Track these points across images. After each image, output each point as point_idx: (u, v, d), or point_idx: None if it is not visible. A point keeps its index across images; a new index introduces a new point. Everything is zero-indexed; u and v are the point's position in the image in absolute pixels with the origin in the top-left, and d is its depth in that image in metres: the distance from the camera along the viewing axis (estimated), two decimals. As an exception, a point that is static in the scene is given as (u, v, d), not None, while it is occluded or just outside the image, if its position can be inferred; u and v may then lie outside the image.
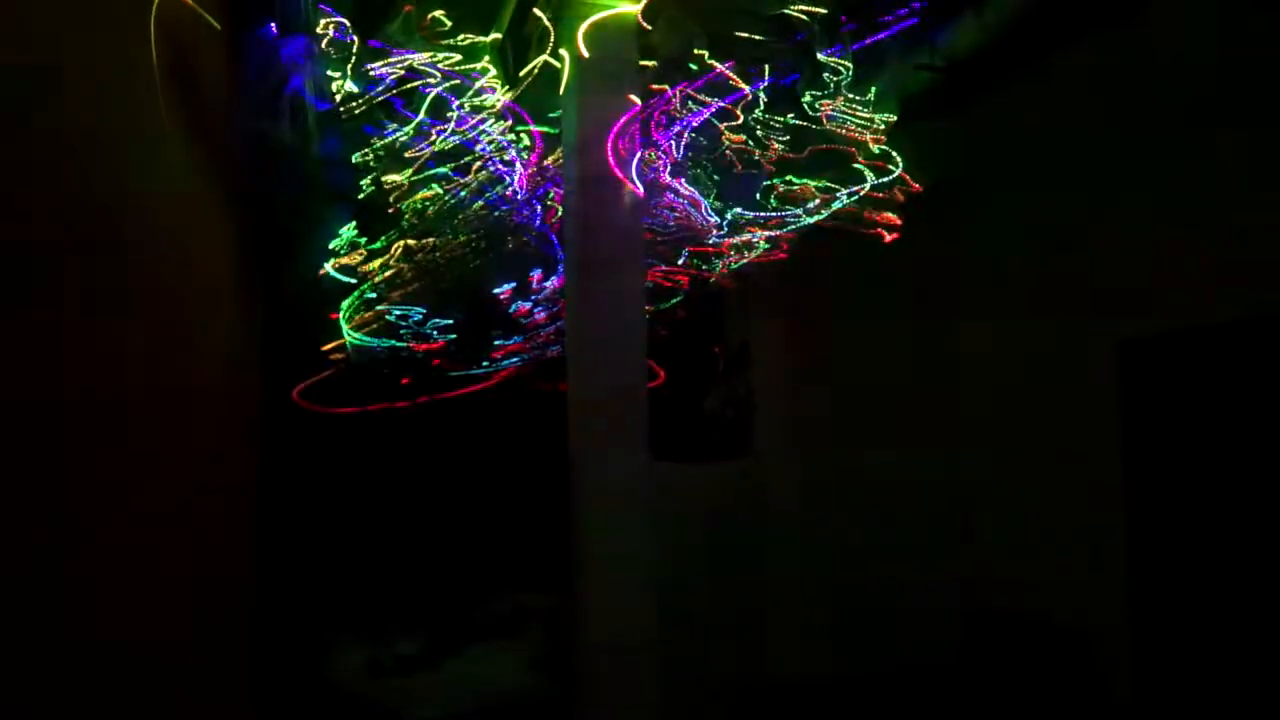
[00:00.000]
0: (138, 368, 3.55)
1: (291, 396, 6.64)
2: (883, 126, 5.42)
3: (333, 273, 5.91)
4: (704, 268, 6.65)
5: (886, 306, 7.39)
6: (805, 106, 5.31)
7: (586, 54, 4.64)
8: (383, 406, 7.17)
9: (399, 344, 6.78)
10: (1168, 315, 5.41)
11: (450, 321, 6.71)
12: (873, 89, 5.34)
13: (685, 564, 6.53)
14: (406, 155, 5.39)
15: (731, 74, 4.93)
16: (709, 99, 5.11)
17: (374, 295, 6.39)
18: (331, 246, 5.87)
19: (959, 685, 6.32)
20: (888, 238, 5.93)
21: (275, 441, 6.25)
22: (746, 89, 5.02)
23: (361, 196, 5.55)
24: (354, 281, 6.08)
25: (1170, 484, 5.43)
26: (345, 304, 6.37)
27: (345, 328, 6.42)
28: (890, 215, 5.89)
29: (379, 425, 7.26)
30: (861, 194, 5.62)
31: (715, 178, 5.81)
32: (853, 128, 5.40)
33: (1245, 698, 4.98)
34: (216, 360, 4.97)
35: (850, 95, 5.28)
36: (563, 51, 4.83)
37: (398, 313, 6.51)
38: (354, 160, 5.38)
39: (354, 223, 5.79)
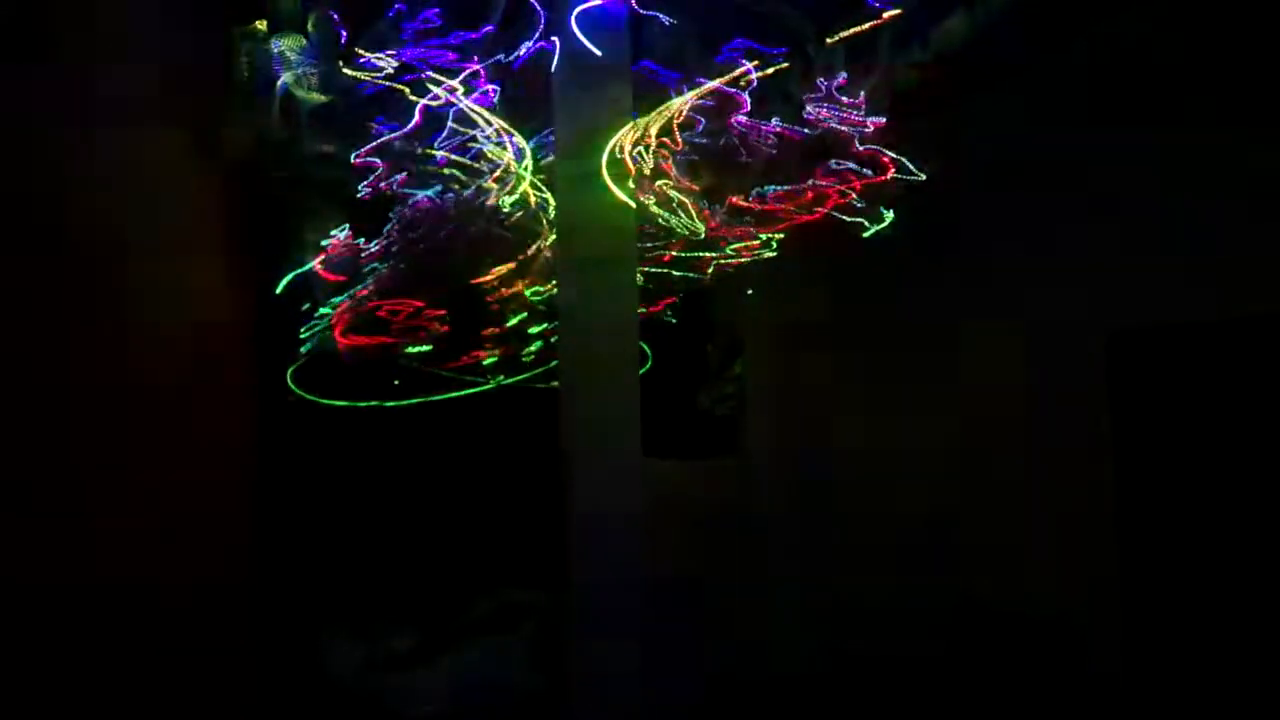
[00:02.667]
0: (138, 365, 3.55)
1: (286, 397, 6.63)
2: (875, 122, 5.43)
3: (319, 268, 5.91)
4: (692, 273, 6.67)
5: (878, 302, 7.41)
6: (797, 103, 5.32)
7: (577, 43, 4.62)
8: (373, 404, 7.17)
9: (388, 341, 6.77)
10: (1159, 310, 5.45)
11: (441, 313, 6.69)
12: (863, 88, 5.35)
13: (677, 560, 6.56)
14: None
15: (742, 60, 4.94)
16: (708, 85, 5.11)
17: (363, 289, 6.38)
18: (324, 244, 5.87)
19: (952, 680, 6.37)
20: (868, 230, 5.93)
21: (270, 440, 6.25)
22: (750, 69, 5.01)
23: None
24: (344, 278, 6.08)
25: (1161, 477, 5.48)
26: (336, 300, 6.36)
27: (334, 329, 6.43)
28: (881, 211, 5.91)
29: (372, 422, 7.26)
30: (856, 192, 5.63)
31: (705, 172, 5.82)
32: (845, 124, 5.41)
33: (1236, 689, 5.04)
34: (213, 358, 4.97)
35: (842, 94, 5.29)
36: (555, 39, 4.81)
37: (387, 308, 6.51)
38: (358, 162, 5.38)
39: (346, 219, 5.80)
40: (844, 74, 5.12)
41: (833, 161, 5.54)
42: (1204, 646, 5.22)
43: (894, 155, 5.52)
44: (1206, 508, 5.24)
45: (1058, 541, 5.98)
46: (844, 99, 5.33)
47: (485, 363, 7.23)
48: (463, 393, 7.37)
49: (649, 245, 6.23)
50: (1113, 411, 5.74)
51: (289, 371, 6.68)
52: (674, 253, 6.44)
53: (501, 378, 7.38)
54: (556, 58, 4.80)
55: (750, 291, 6.73)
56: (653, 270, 6.53)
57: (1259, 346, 4.98)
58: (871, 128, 5.43)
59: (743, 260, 6.49)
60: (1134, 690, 5.56)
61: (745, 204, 5.78)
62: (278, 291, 6.14)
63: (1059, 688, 5.89)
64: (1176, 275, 5.32)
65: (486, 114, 5.20)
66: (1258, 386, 4.99)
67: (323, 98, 5.35)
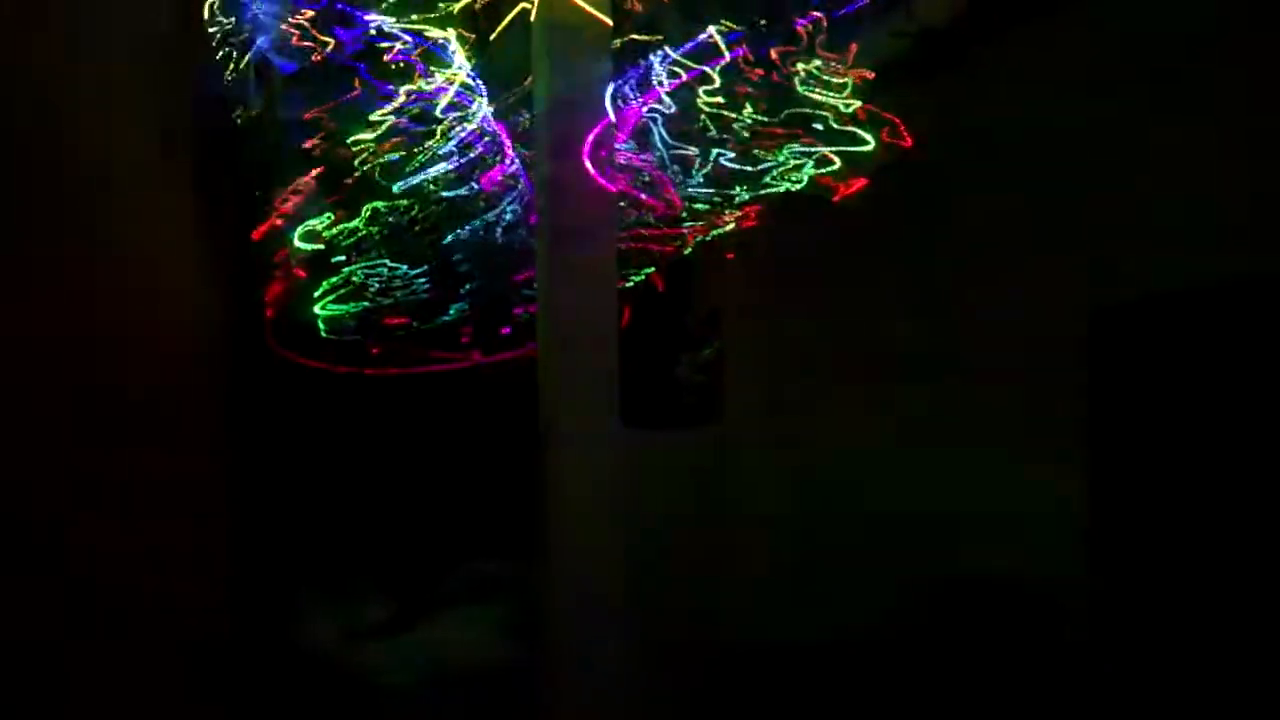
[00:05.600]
0: (106, 328, 3.51)
1: (260, 364, 6.58)
2: (860, 85, 5.37)
3: (299, 242, 5.83)
4: (676, 242, 6.64)
5: (857, 275, 7.42)
6: (779, 69, 5.27)
7: (558, 5, 4.55)
8: (350, 370, 7.13)
9: (368, 304, 6.72)
10: (1138, 283, 5.46)
11: (420, 270, 6.63)
12: (851, 50, 5.30)
13: (655, 531, 6.56)
14: (372, 119, 5.30)
15: (717, 36, 4.88)
16: (687, 64, 5.05)
17: (342, 258, 6.32)
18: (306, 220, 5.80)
19: (926, 647, 6.42)
20: (838, 196, 5.90)
21: (244, 408, 6.21)
22: (725, 53, 4.96)
23: (319, 155, 5.47)
24: (321, 248, 6.01)
25: (1134, 450, 5.52)
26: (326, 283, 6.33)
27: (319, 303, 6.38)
28: (860, 180, 5.87)
29: (348, 391, 7.22)
30: (835, 164, 5.60)
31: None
32: (826, 91, 5.36)
33: (1201, 656, 5.10)
34: (183, 323, 4.93)
35: (824, 58, 5.24)
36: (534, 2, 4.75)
37: (365, 271, 6.44)
38: (308, 119, 5.29)
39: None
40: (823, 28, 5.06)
41: (815, 125, 5.50)
42: (1173, 612, 5.28)
43: (878, 124, 5.48)
44: (1177, 478, 5.28)
45: (1035, 510, 6.03)
46: (827, 67, 5.29)
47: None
48: (443, 367, 7.34)
49: (628, 214, 6.20)
50: (1090, 386, 5.77)
51: (267, 330, 6.63)
52: (653, 222, 6.41)
53: (480, 352, 7.35)
54: (534, 20, 4.74)
55: (731, 257, 6.72)
56: (631, 240, 6.49)
57: (1233, 315, 5.01)
58: (854, 105, 5.40)
59: (723, 229, 6.47)
60: (1101, 653, 5.62)
61: (730, 165, 5.73)
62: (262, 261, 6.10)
63: (1030, 652, 5.96)
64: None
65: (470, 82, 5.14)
66: (1229, 358, 5.02)
67: (300, 62, 5.27)
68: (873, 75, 5.26)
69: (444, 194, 5.82)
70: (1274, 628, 4.75)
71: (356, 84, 5.11)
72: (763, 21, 5.03)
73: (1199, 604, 5.15)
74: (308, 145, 5.37)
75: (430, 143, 5.51)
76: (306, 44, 4.88)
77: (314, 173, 5.64)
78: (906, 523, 6.90)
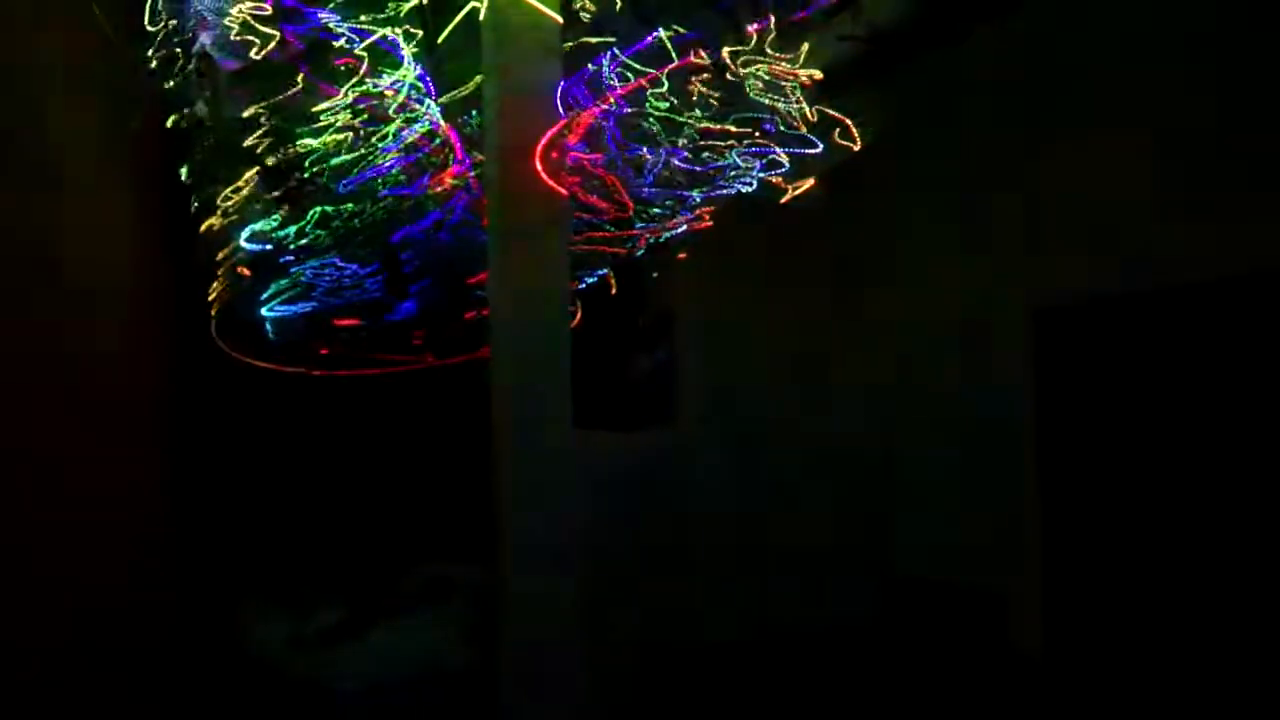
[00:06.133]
0: (42, 330, 3.43)
1: (207, 364, 6.47)
2: (809, 88, 5.38)
3: (244, 244, 5.74)
4: (628, 244, 6.62)
5: (808, 275, 7.46)
6: (729, 69, 5.27)
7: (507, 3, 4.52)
8: (299, 370, 7.04)
9: (317, 305, 6.63)
10: (1082, 284, 5.55)
11: (370, 270, 6.54)
12: (803, 48, 5.30)
13: (608, 532, 6.56)
14: (321, 117, 5.22)
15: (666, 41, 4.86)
16: (637, 67, 5.04)
17: (290, 258, 6.23)
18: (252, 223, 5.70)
19: (878, 647, 6.48)
20: (785, 198, 5.92)
21: (191, 410, 6.10)
22: (674, 57, 4.95)
23: (270, 161, 5.38)
24: (269, 249, 5.92)
25: (1082, 450, 5.60)
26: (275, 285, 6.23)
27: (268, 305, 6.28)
28: (810, 181, 5.89)
29: (300, 392, 7.13)
30: (785, 166, 5.62)
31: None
32: (775, 94, 5.36)
33: (1151, 657, 5.19)
34: (123, 323, 4.84)
35: (774, 56, 5.24)
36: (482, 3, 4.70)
37: (312, 271, 6.35)
38: (246, 115, 5.20)
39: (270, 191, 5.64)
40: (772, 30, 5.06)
41: (766, 125, 5.50)
42: (1122, 612, 5.37)
43: (826, 126, 5.50)
44: (1125, 478, 5.37)
45: (985, 512, 6.10)
46: (777, 68, 5.29)
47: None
48: (394, 369, 7.27)
49: (580, 215, 6.18)
50: (1036, 386, 5.85)
51: (213, 330, 6.52)
52: (606, 226, 6.39)
53: (432, 355, 7.29)
54: (484, 19, 4.70)
55: (682, 256, 6.74)
56: (584, 241, 6.47)
57: (1176, 317, 5.10)
58: (804, 108, 5.41)
59: (675, 231, 6.47)
60: (1052, 654, 5.70)
61: (682, 166, 5.73)
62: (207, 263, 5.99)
63: (980, 653, 6.03)
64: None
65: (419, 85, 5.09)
66: (1171, 358, 5.12)
67: (242, 60, 5.17)
68: (821, 77, 5.26)
69: (391, 191, 5.76)
70: (1219, 616, 4.85)
71: (300, 81, 5.02)
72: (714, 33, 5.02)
73: (1148, 597, 5.24)
74: (249, 143, 5.28)
75: (380, 143, 5.44)
76: (249, 38, 4.78)
77: (255, 170, 5.54)
78: (856, 523, 6.95)
